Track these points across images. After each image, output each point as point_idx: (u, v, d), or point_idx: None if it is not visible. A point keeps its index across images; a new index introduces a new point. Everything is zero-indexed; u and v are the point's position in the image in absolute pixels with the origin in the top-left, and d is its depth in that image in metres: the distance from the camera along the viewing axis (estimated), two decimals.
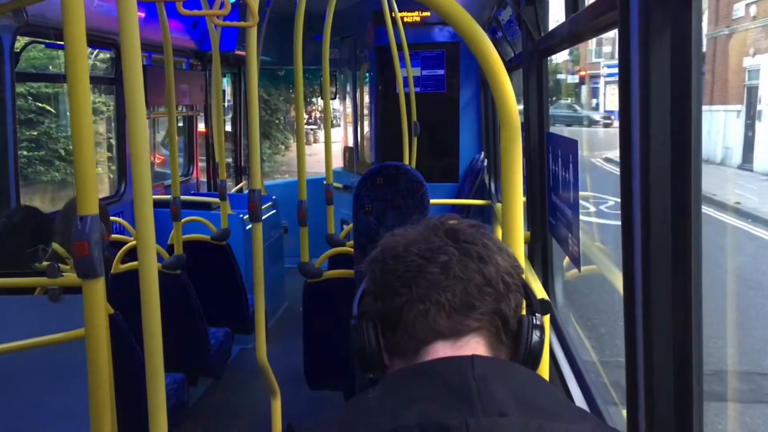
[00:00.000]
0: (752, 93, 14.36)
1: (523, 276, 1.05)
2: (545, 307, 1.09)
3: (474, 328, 0.98)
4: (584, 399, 2.23)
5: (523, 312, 1.04)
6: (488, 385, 0.89)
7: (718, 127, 15.04)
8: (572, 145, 2.51)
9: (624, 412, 1.62)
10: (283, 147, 20.22)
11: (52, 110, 11.81)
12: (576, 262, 2.51)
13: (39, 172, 11.77)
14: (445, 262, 0.98)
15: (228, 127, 8.37)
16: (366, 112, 7.75)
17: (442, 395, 0.89)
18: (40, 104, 11.58)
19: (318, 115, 24.98)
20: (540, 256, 3.22)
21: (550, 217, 3.01)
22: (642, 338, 1.46)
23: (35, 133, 11.66)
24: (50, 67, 11.05)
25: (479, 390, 0.88)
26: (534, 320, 1.03)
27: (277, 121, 19.21)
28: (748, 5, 13.28)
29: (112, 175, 9.45)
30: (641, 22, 1.36)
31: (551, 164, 2.87)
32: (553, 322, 2.79)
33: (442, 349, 0.97)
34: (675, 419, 1.41)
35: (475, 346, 0.97)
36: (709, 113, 15.38)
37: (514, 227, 1.67)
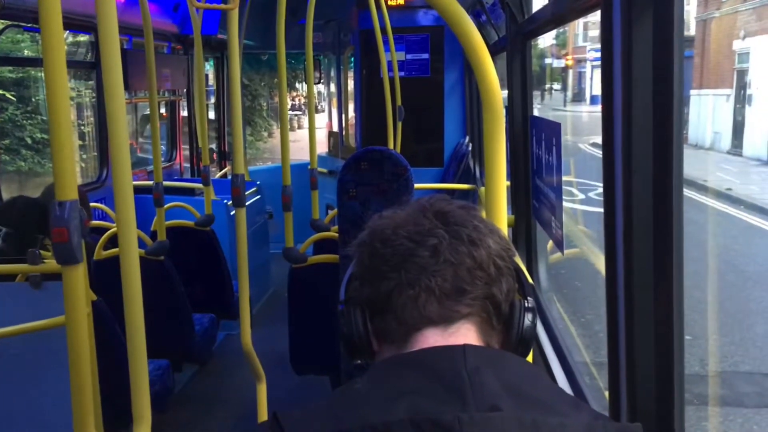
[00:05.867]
0: (742, 76, 14.36)
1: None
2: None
3: (465, 314, 0.95)
4: (567, 380, 2.25)
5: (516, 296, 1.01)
6: (481, 377, 0.87)
7: (707, 112, 15.06)
8: (555, 128, 2.51)
9: (606, 394, 1.64)
10: (266, 134, 20.08)
11: (14, 96, 11.47)
12: (559, 245, 2.52)
13: (4, 161, 11.46)
14: (434, 246, 0.95)
15: (211, 113, 8.31)
16: (350, 96, 7.71)
17: (434, 388, 0.86)
18: (2, 90, 11.27)
19: (302, 100, 24.86)
20: (524, 239, 3.23)
21: (533, 201, 3.02)
22: (624, 319, 1.47)
23: None
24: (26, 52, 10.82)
25: (471, 383, 0.86)
26: (526, 303, 1.01)
27: (258, 108, 19.08)
28: None
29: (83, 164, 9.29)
30: (623, 3, 1.36)
31: (535, 148, 2.87)
32: (537, 305, 2.80)
33: (432, 337, 0.94)
34: (656, 399, 1.43)
35: (466, 333, 0.95)
36: (698, 97, 15.39)
37: (498, 211, 1.67)
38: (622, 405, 1.52)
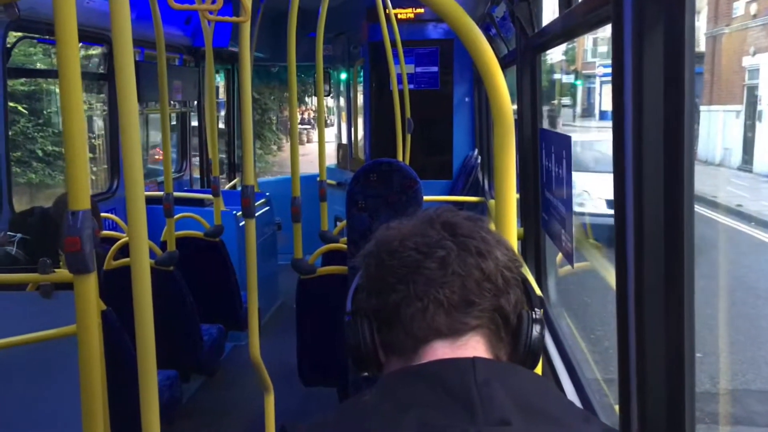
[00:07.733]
0: (752, 92, 14.30)
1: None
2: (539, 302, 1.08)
3: (473, 326, 0.95)
4: (576, 393, 2.23)
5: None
6: (490, 391, 0.86)
7: (717, 128, 15.00)
8: (565, 141, 2.51)
9: (617, 408, 1.63)
10: (275, 147, 20.12)
11: (26, 109, 11.51)
12: (569, 258, 2.52)
13: (15, 173, 11.51)
14: (442, 257, 0.94)
15: (221, 124, 8.35)
16: (360, 108, 7.74)
17: (443, 401, 0.86)
18: (14, 103, 11.33)
19: (312, 114, 24.92)
20: (533, 252, 3.22)
21: (543, 214, 3.01)
22: (634, 335, 1.46)
23: (10, 132, 11.40)
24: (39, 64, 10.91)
25: (481, 396, 0.85)
26: (533, 315, 0.99)
27: (268, 121, 19.14)
28: (748, 3, 13.25)
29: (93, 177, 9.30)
30: (635, 16, 1.36)
31: (544, 160, 2.87)
32: (546, 318, 2.80)
33: (441, 349, 0.94)
34: (667, 416, 1.42)
35: (475, 345, 0.94)
36: (707, 113, 15.34)
37: (507, 223, 1.67)
38: (633, 421, 1.51)
